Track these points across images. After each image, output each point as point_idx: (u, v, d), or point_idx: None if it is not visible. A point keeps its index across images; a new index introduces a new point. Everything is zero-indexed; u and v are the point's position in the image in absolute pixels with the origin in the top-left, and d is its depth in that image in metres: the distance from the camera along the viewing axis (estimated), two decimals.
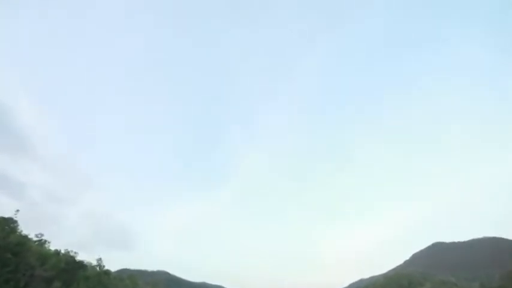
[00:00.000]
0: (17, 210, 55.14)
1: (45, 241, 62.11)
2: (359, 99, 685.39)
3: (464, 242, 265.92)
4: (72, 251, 64.97)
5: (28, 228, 59.67)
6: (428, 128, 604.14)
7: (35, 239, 59.84)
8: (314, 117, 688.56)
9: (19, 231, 54.15)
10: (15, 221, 53.82)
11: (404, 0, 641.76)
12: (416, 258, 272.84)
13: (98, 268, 70.77)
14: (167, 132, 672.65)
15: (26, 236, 55.97)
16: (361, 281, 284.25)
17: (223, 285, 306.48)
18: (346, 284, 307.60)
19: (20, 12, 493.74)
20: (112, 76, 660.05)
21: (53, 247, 64.30)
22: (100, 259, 71.58)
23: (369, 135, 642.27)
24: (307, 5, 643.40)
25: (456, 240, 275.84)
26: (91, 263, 69.67)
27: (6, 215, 53.70)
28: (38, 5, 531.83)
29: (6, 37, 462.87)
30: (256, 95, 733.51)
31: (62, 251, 63.70)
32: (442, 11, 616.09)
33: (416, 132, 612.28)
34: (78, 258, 64.62)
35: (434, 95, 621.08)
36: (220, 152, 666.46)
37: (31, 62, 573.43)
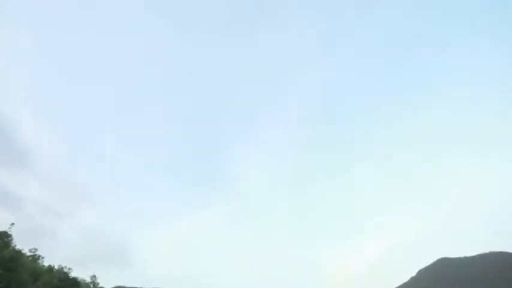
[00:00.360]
0: (12, 224, 54.64)
1: (39, 256, 61.03)
2: (362, 109, 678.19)
3: (470, 257, 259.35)
4: (66, 267, 63.82)
5: (24, 243, 58.88)
6: (430, 139, 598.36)
7: (28, 254, 58.77)
8: (315, 127, 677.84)
9: (13, 245, 53.27)
10: (10, 235, 53.09)
11: (404, 2, 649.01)
12: (422, 274, 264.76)
13: (92, 285, 69.19)
14: (166, 144, 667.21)
15: (19, 251, 54.92)
16: None
17: None
18: None
19: (20, 23, 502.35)
20: (112, 87, 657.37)
21: (48, 262, 63.29)
22: (94, 276, 70.17)
23: (370, 148, 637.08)
24: (307, 10, 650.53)
25: (462, 255, 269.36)
26: (85, 280, 68.13)
27: (0, 229, 53.07)
28: (38, 16, 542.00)
29: (6, 47, 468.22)
30: (256, 105, 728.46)
31: (56, 267, 62.50)
32: (443, 11, 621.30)
33: (417, 143, 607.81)
34: (72, 274, 63.29)
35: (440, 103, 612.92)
36: (219, 166, 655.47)
37: (32, 73, 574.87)
